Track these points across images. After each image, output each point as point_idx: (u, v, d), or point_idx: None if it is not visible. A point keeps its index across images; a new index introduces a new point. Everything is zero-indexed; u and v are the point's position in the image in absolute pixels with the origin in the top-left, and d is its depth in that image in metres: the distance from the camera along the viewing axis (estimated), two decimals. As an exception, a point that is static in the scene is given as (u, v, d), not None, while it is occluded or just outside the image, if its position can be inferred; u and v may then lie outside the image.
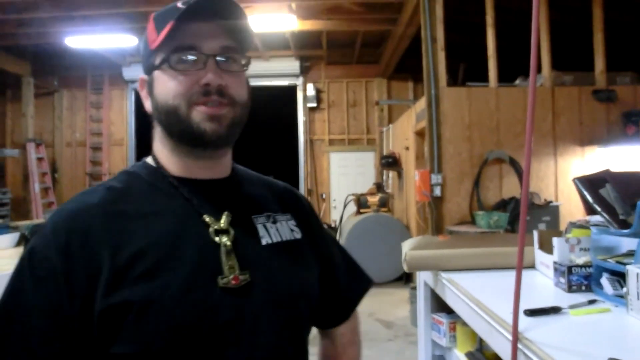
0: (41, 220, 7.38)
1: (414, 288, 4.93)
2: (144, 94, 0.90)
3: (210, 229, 0.82)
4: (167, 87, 0.83)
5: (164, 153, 0.89)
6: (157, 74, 0.85)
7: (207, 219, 0.83)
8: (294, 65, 9.45)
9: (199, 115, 0.81)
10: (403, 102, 9.18)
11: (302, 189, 9.78)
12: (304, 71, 9.62)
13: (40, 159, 9.59)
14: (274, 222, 0.92)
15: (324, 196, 9.69)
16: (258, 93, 10.66)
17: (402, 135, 7.38)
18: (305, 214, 1.01)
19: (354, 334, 1.08)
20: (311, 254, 0.95)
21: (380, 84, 9.62)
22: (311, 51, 9.17)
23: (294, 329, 0.88)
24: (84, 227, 0.77)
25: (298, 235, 0.94)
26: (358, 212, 7.52)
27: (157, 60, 0.84)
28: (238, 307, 0.79)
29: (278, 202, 0.97)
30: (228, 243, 0.81)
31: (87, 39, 7.67)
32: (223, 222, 0.84)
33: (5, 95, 10.37)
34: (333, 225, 8.60)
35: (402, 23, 6.58)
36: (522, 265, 1.12)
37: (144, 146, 10.56)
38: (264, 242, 0.87)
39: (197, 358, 0.76)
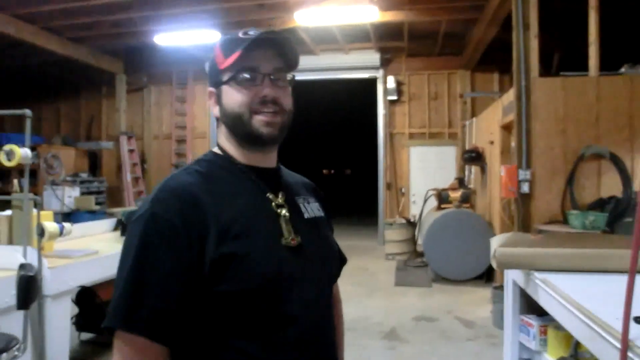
0: (133, 207, 7.78)
1: (498, 287, 4.71)
2: (211, 103, 1.16)
3: (273, 204, 1.11)
4: (234, 98, 1.09)
5: (230, 146, 1.15)
6: (225, 87, 1.11)
7: (270, 196, 1.12)
8: (374, 57, 9.34)
9: (258, 122, 1.08)
10: (488, 95, 8.82)
11: (381, 183, 9.68)
12: (385, 63, 9.48)
13: (131, 151, 10.15)
14: (308, 203, 1.22)
15: (403, 190, 9.53)
16: (337, 86, 10.68)
17: (486, 129, 7.08)
18: (324, 201, 1.32)
19: (339, 297, 1.41)
20: (330, 230, 1.28)
21: (463, 76, 9.30)
22: (392, 43, 9.01)
23: (329, 279, 1.22)
24: (192, 197, 1.03)
25: (322, 214, 1.25)
26: (439, 208, 7.32)
27: (225, 77, 1.10)
28: (296, 260, 1.08)
29: (306, 190, 1.28)
30: (287, 214, 1.11)
31: (173, 36, 7.99)
32: (280, 198, 1.13)
33: (101, 91, 11.07)
34: (412, 220, 8.43)
35: (490, 10, 6.29)
36: (636, 269, 1.00)
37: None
38: (305, 216, 1.18)
39: (277, 295, 1.04)
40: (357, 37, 8.81)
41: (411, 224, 8.27)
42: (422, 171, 9.44)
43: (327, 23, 7.36)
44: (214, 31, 7.75)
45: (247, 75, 1.08)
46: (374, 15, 6.95)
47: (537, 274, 1.78)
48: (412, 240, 8.20)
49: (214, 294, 0.99)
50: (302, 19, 7.12)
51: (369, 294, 6.11)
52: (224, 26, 7.82)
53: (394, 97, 9.46)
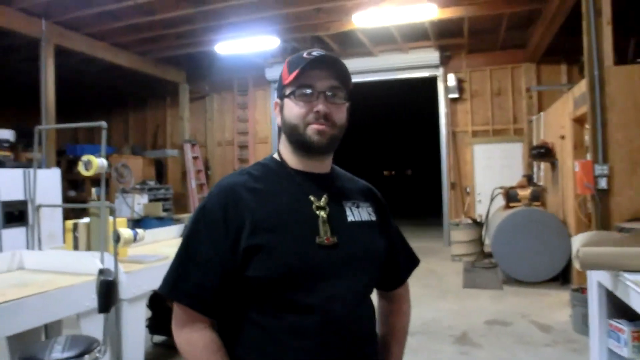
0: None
1: (577, 290, 4.47)
2: (276, 112, 1.30)
3: (314, 205, 1.22)
4: (292, 111, 1.23)
5: (286, 152, 1.29)
6: (286, 100, 1.24)
7: (312, 198, 1.23)
8: (433, 56, 9.17)
9: (310, 131, 1.21)
10: (557, 87, 8.44)
11: (445, 183, 9.47)
12: (444, 61, 9.28)
13: (195, 158, 10.44)
14: (357, 207, 1.30)
15: (468, 190, 9.29)
16: (397, 86, 10.56)
17: (556, 123, 6.76)
18: (381, 206, 1.39)
19: (407, 296, 1.49)
20: (381, 233, 1.33)
21: (528, 69, 8.95)
22: (451, 40, 8.81)
23: (365, 277, 1.25)
24: (236, 195, 1.20)
25: (374, 218, 1.32)
26: (507, 207, 7.06)
27: (287, 92, 1.24)
28: (328, 257, 1.18)
29: (361, 195, 1.36)
30: (324, 215, 1.21)
31: (233, 45, 8.15)
32: (322, 201, 1.23)
33: (166, 101, 11.48)
34: (478, 219, 8.19)
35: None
36: None
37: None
38: (349, 219, 1.26)
39: (299, 285, 1.15)
40: (416, 36, 8.68)
41: (477, 224, 8.03)
42: (487, 169, 9.15)
43: (385, 23, 7.29)
44: (273, 37, 7.85)
45: (304, 91, 1.21)
46: (433, 13, 6.81)
47: (627, 275, 1.65)
48: (479, 241, 7.96)
49: (245, 278, 1.16)
50: (360, 21, 7.09)
51: (439, 296, 5.97)
52: (282, 32, 7.91)
53: (455, 95, 9.24)
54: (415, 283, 6.32)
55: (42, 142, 6.78)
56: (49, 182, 6.31)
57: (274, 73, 9.94)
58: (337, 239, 1.20)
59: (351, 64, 9.44)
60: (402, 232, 1.49)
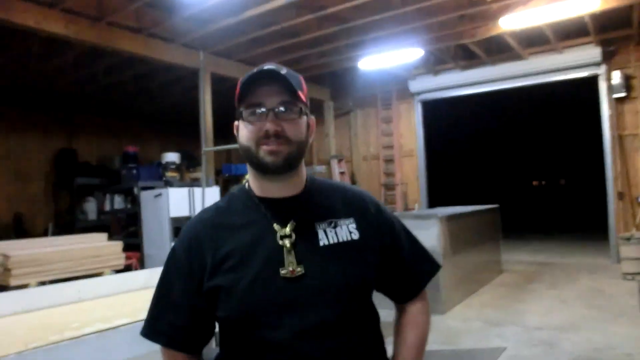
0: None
1: None
2: (236, 135, 1.24)
3: (278, 235, 1.17)
4: (243, 133, 1.19)
5: (252, 179, 1.25)
6: (240, 122, 1.21)
7: (276, 227, 1.18)
8: (593, 52, 8.34)
9: (262, 152, 1.16)
10: None
11: (610, 193, 8.54)
12: (607, 57, 8.38)
13: (342, 173, 10.63)
14: (334, 227, 1.21)
15: (639, 200, 8.27)
16: (546, 89, 9.80)
17: None
18: (371, 217, 1.27)
19: (424, 309, 1.35)
20: (368, 250, 1.22)
21: None
22: (616, 33, 7.95)
23: (340, 307, 1.16)
24: (198, 235, 1.21)
25: (355, 236, 1.22)
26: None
27: (239, 113, 1.20)
28: (294, 290, 1.12)
29: (345, 208, 1.25)
30: (288, 245, 1.15)
31: (376, 59, 8.20)
32: (287, 229, 1.17)
33: (311, 119, 11.88)
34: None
35: None
36: None
37: (433, 155, 10.77)
38: (321, 243, 1.18)
39: (264, 322, 1.12)
40: (573, 33, 8.01)
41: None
42: (664, 176, 8.08)
43: (537, 23, 6.82)
44: (416, 49, 7.76)
45: (253, 111, 1.17)
46: (595, 4, 6.21)
47: None
48: (658, 258, 7.01)
49: (218, 319, 1.20)
50: (509, 23, 6.72)
51: (610, 319, 5.34)
52: (426, 42, 7.79)
53: (622, 94, 8.29)
54: (582, 303, 5.78)
55: (203, 163, 7.40)
56: (211, 200, 6.87)
57: (417, 85, 9.83)
58: (303, 269, 1.13)
59: (497, 70, 9.05)
60: (414, 237, 1.37)
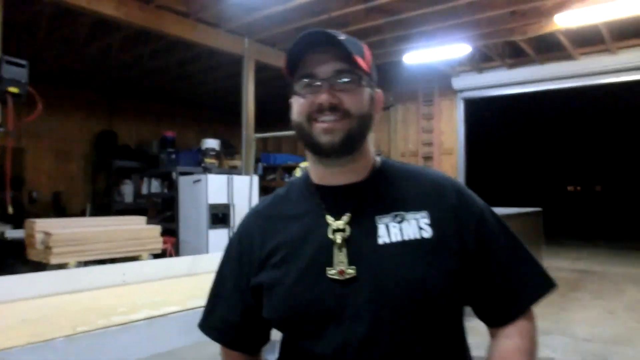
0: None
1: None
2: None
3: (330, 228, 0.99)
4: (295, 108, 1.03)
5: (310, 163, 1.09)
6: (294, 98, 1.03)
7: (329, 219, 1.00)
8: (649, 55, 7.99)
9: (316, 130, 0.99)
10: None
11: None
12: (664, 61, 8.03)
13: (380, 169, 10.50)
14: (401, 221, 0.99)
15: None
16: (601, 91, 9.42)
17: None
18: (449, 208, 1.01)
19: (523, 340, 0.99)
20: (444, 251, 0.97)
21: None
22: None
23: (397, 325, 0.93)
24: (250, 227, 1.11)
25: (427, 234, 0.97)
26: None
27: (289, 88, 1.04)
28: (341, 296, 0.94)
29: (418, 198, 1.02)
30: (339, 240, 0.97)
31: (421, 54, 8.02)
32: (341, 222, 0.99)
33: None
34: None
35: None
36: None
37: (474, 154, 10.53)
38: (380, 241, 0.97)
39: (304, 330, 0.98)
40: (629, 33, 7.67)
41: None
42: None
43: (594, 21, 6.54)
44: (463, 45, 7.55)
45: (303, 83, 1.01)
46: (657, 4, 5.91)
47: None
48: None
49: (265, 319, 1.07)
50: (564, 21, 6.46)
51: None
52: (474, 38, 7.57)
53: (678, 100, 7.94)
54: (629, 315, 5.57)
55: (243, 151, 7.37)
56: (248, 188, 6.84)
57: (461, 82, 9.60)
58: (355, 271, 0.94)
59: (546, 70, 8.74)
60: (519, 240, 1.06)
